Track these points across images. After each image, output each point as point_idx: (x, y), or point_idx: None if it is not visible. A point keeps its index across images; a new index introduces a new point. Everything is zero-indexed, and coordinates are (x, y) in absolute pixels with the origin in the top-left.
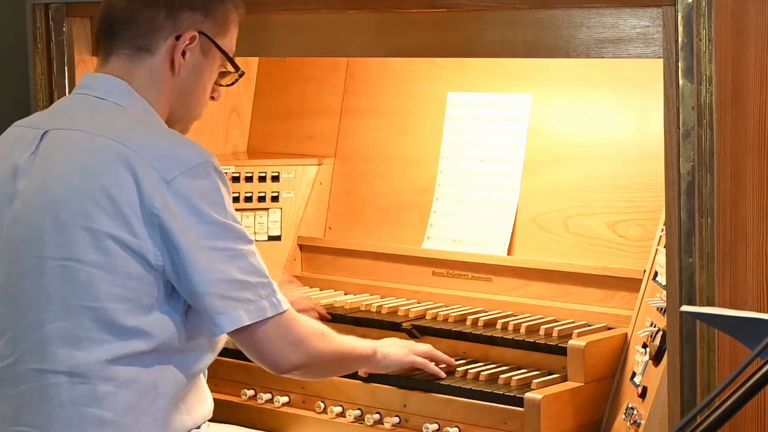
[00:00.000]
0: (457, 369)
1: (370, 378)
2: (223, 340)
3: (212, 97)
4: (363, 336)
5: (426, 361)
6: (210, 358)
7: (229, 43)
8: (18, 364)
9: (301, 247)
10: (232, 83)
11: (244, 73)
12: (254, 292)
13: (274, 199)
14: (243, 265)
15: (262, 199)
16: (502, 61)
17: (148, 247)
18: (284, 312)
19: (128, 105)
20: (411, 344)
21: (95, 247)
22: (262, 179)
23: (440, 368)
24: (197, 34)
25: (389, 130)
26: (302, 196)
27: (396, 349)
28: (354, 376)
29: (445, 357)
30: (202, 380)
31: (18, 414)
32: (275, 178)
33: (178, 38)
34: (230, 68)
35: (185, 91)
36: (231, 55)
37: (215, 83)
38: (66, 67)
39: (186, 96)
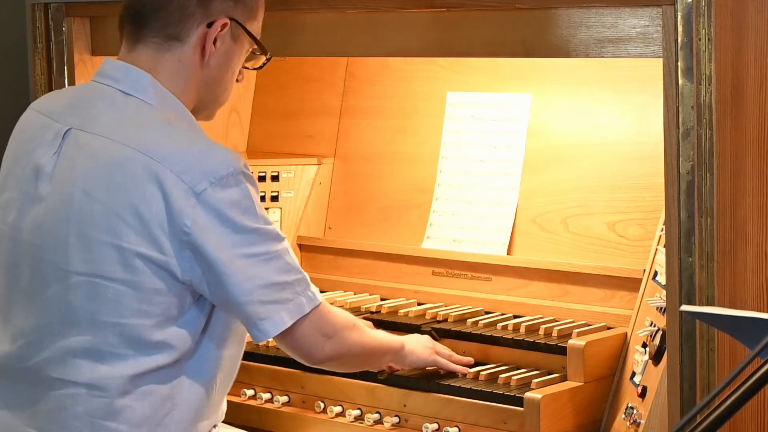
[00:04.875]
0: None
1: (370, 378)
2: (234, 347)
3: (237, 80)
4: None
5: (447, 361)
6: (224, 364)
7: (258, 26)
8: (38, 369)
9: (300, 246)
10: (261, 66)
11: (272, 56)
12: (292, 291)
13: (274, 198)
14: (279, 266)
15: (261, 198)
16: (502, 61)
17: (176, 263)
18: (319, 304)
19: (155, 103)
20: (433, 343)
21: (123, 264)
22: (261, 179)
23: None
24: (229, 21)
25: (389, 130)
26: (302, 196)
27: (421, 347)
28: (354, 375)
29: (464, 359)
30: (217, 387)
31: (31, 417)
32: (275, 178)
33: (209, 26)
34: (258, 51)
35: (214, 79)
36: (259, 38)
37: (242, 66)
38: (66, 67)
39: (214, 83)
